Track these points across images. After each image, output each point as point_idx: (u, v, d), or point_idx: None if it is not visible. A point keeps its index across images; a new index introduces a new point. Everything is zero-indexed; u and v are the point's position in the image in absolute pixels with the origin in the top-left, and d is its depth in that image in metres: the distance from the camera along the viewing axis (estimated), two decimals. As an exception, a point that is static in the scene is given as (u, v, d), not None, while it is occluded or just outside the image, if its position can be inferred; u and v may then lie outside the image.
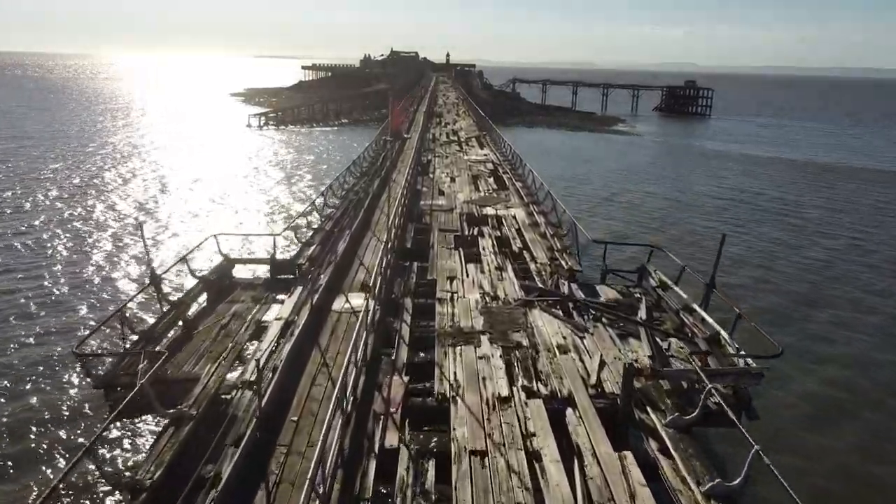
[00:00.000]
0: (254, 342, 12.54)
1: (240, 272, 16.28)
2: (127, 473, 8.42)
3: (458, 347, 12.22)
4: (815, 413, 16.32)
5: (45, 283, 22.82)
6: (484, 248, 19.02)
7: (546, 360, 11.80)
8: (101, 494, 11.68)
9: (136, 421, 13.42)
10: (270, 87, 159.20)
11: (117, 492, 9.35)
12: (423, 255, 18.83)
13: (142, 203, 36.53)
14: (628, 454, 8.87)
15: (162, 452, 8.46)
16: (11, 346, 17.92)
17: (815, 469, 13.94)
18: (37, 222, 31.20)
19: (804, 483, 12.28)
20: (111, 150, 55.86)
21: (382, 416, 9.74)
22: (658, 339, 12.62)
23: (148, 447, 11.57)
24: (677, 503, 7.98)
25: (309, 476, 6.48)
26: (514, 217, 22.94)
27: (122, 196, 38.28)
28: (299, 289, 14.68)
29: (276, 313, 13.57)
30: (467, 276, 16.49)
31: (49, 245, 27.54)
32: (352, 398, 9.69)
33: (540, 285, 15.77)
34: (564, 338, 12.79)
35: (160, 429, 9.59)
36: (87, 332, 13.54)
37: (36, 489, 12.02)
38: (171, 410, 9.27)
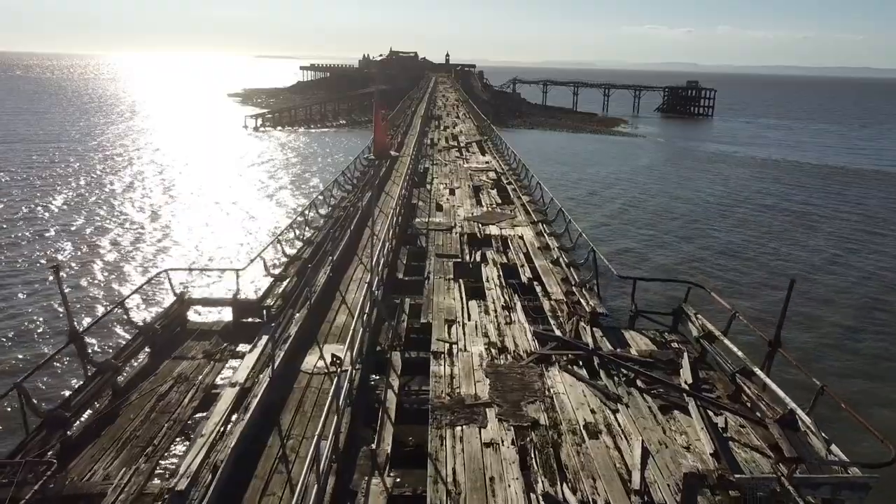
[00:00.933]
0: (198, 418, 9.88)
1: (196, 316, 13.60)
2: None
3: (458, 428, 9.56)
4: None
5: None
6: (488, 280, 16.35)
7: (572, 449, 9.13)
8: None
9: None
10: (268, 88, 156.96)
11: None
12: (417, 287, 16.20)
13: (101, 223, 31.98)
14: None
15: None
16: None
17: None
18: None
19: None
20: (90, 154, 53.14)
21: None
22: (711, 414, 9.97)
23: None
24: None
25: None
26: (522, 238, 20.27)
27: (78, 213, 33.82)
28: (264, 339, 12.00)
29: (231, 375, 10.90)
30: (469, 317, 13.81)
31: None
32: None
33: (557, 332, 13.09)
34: (593, 411, 10.12)
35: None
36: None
37: None
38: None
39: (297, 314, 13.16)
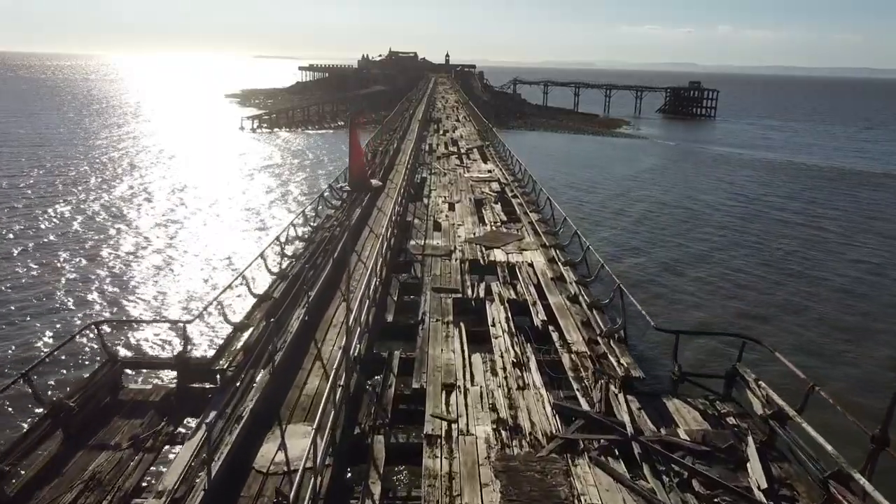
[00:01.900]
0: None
1: (134, 382, 10.99)
2: None
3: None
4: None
5: None
6: (494, 323, 13.72)
7: None
8: None
9: None
10: (267, 89, 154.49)
11: None
12: (409, 332, 13.62)
13: (40, 249, 26.71)
14: None
15: None
16: None
17: None
18: None
19: None
20: (67, 159, 50.46)
21: None
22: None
23: None
24: None
25: None
26: (532, 266, 17.63)
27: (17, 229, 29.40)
28: (212, 414, 9.39)
29: (160, 479, 8.28)
30: (472, 379, 11.19)
31: None
32: None
33: (583, 403, 10.47)
34: (640, 537, 7.51)
35: None
36: None
37: None
38: None
39: (259, 377, 10.56)
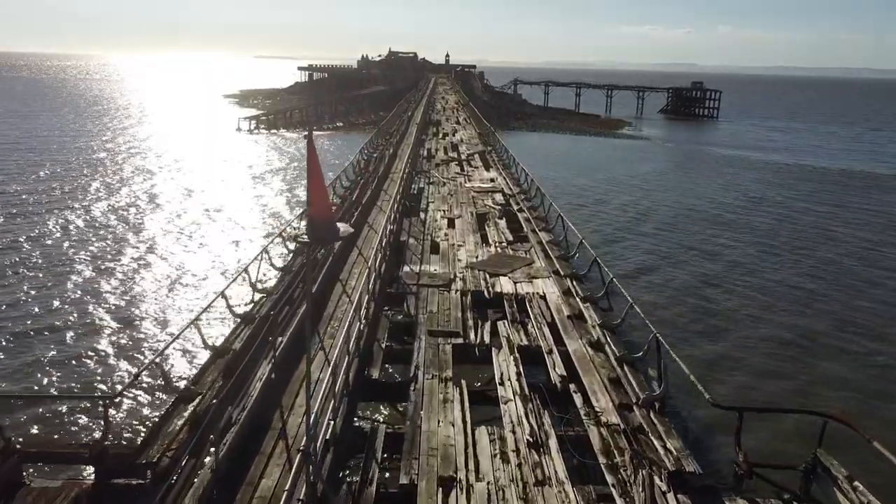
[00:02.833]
0: None
1: (39, 475, 8.54)
2: None
3: None
4: None
5: None
6: (504, 381, 11.27)
7: None
8: None
9: None
10: (265, 89, 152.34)
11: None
12: (398, 390, 11.22)
13: None
14: None
15: None
16: None
17: None
18: None
19: None
20: (50, 163, 47.99)
21: None
22: None
23: None
24: None
25: None
26: (544, 299, 15.17)
27: None
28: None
29: None
30: (477, 471, 8.74)
31: None
32: None
33: (622, 509, 8.02)
34: None
35: None
36: None
37: None
38: None
39: (199, 475, 8.12)
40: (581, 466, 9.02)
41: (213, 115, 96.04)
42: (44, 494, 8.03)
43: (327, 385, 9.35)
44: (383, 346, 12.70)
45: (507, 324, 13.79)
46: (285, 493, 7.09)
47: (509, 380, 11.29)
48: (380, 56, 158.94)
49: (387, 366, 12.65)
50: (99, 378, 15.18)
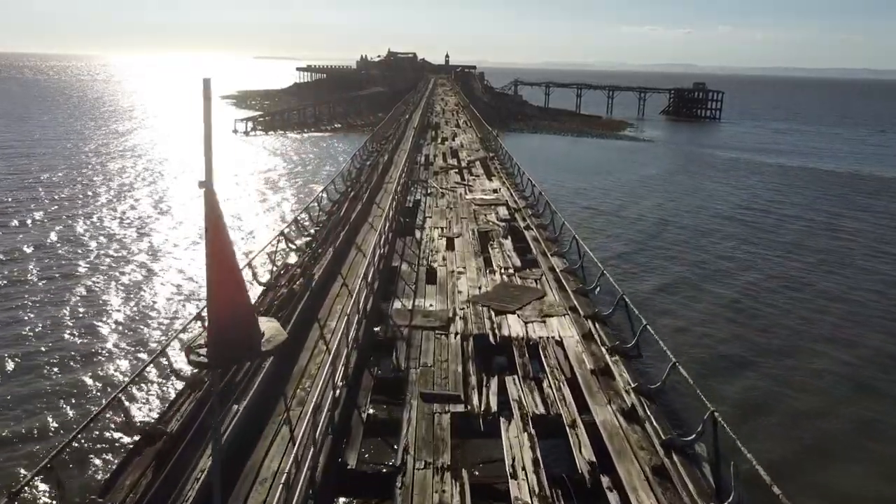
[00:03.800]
0: None
1: None
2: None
3: None
4: None
5: None
6: (516, 470, 8.76)
7: None
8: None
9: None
10: (263, 90, 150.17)
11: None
12: (381, 484, 8.74)
13: None
14: None
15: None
16: None
17: None
18: None
19: None
20: (42, 164, 45.45)
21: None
22: None
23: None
24: None
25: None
26: (561, 345, 12.67)
27: None
28: None
29: None
30: None
31: None
32: None
33: None
34: None
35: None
36: None
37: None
38: None
39: None
40: None
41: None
42: None
43: (289, 477, 6.95)
44: (364, 414, 10.20)
45: (517, 380, 11.30)
46: None
47: (523, 469, 8.79)
48: (379, 57, 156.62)
49: (368, 445, 10.17)
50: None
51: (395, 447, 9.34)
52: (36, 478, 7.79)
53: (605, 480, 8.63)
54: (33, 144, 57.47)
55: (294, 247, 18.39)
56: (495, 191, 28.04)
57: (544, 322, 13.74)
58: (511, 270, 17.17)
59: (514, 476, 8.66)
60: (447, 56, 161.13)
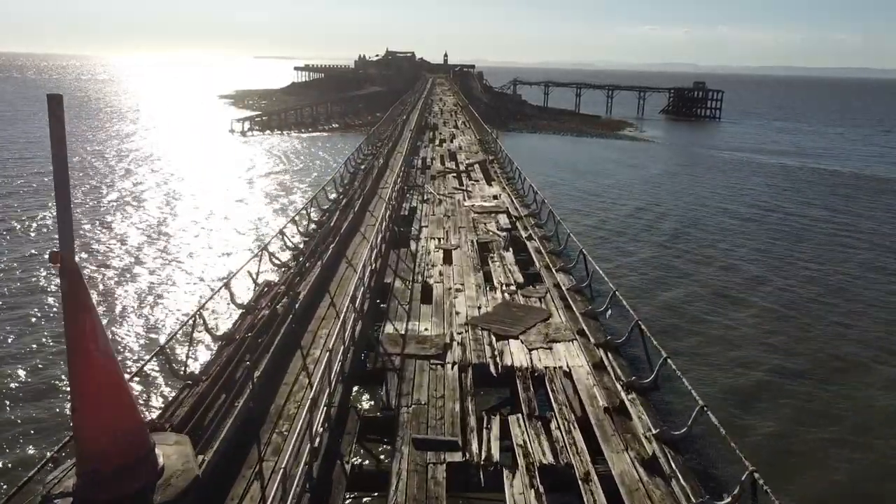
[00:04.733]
0: None
1: None
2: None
3: None
4: None
5: None
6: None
7: None
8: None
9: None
10: (261, 89, 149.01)
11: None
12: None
13: None
14: None
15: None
16: None
17: None
18: None
19: None
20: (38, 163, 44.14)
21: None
22: None
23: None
24: None
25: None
26: (570, 377, 11.42)
27: None
28: None
29: None
30: None
31: None
32: None
33: None
34: None
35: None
36: None
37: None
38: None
39: None
40: None
41: (207, 116, 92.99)
42: None
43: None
44: (348, 465, 8.93)
45: (522, 421, 10.04)
46: None
47: (531, 539, 7.53)
48: (377, 56, 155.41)
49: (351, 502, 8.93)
50: None
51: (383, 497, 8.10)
52: None
53: (626, 553, 7.39)
54: (24, 146, 56.22)
55: (279, 262, 17.12)
56: (495, 197, 26.78)
57: (550, 349, 12.48)
58: (513, 287, 15.91)
59: (520, 548, 7.42)
60: (446, 55, 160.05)
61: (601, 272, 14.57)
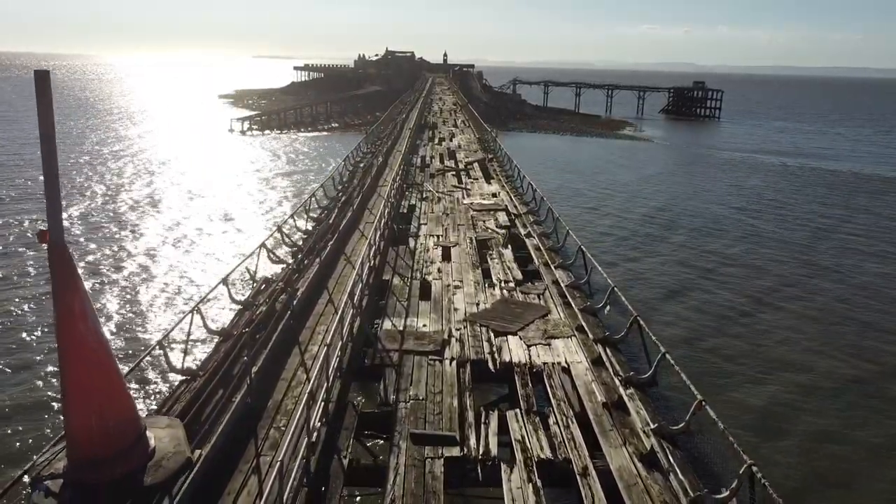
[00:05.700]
0: None
1: None
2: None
3: None
4: None
5: None
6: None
7: None
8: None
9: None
10: (260, 89, 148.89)
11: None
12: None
13: None
14: None
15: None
16: None
17: None
18: None
19: None
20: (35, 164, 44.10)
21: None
22: None
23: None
24: None
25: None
26: (568, 372, 11.41)
27: None
28: None
29: None
30: None
31: None
32: None
33: None
34: None
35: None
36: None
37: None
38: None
39: None
40: None
41: (207, 115, 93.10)
42: None
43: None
44: (345, 459, 8.92)
45: (520, 416, 10.02)
46: None
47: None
48: (377, 56, 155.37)
49: (349, 499, 8.91)
50: None
51: (380, 502, 8.09)
52: None
53: (624, 547, 7.37)
54: (21, 147, 56.15)
55: (277, 259, 17.10)
56: (494, 195, 26.77)
57: (549, 345, 12.47)
58: (512, 284, 15.90)
59: (518, 542, 7.40)
60: (445, 55, 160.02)
61: (600, 268, 14.55)
